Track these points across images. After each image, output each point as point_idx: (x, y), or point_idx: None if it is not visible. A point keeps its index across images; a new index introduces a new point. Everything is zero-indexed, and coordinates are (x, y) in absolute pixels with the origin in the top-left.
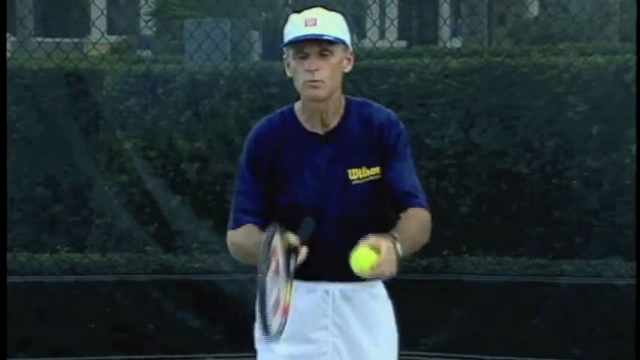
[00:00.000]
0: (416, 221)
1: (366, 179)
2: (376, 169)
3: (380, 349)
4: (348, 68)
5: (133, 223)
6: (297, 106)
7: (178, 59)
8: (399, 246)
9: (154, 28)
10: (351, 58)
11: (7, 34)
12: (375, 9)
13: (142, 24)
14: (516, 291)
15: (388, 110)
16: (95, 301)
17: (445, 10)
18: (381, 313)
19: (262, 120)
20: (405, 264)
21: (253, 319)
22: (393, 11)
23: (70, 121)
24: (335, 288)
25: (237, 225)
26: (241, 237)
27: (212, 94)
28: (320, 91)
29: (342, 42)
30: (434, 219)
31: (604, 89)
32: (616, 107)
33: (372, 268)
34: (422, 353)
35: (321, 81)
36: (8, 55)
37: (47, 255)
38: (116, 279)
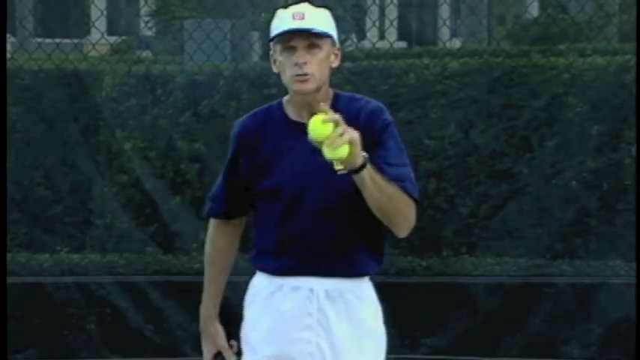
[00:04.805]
0: (395, 188)
1: None
2: None
3: (363, 353)
4: (336, 63)
5: (133, 223)
6: (286, 98)
7: (178, 60)
8: (363, 156)
9: (154, 29)
10: (338, 54)
11: (7, 35)
12: (374, 10)
13: (142, 24)
14: (516, 291)
15: (375, 101)
16: (94, 301)
17: (445, 10)
18: (367, 316)
19: (249, 112)
20: (405, 265)
21: None
22: (392, 12)
23: (70, 122)
24: (320, 287)
25: (208, 213)
26: (208, 241)
27: (212, 95)
28: (308, 85)
29: (330, 36)
30: (434, 219)
31: (604, 90)
32: (616, 108)
33: (329, 137)
34: (422, 356)
35: (310, 74)
36: (8, 55)
37: (47, 255)
38: (115, 280)
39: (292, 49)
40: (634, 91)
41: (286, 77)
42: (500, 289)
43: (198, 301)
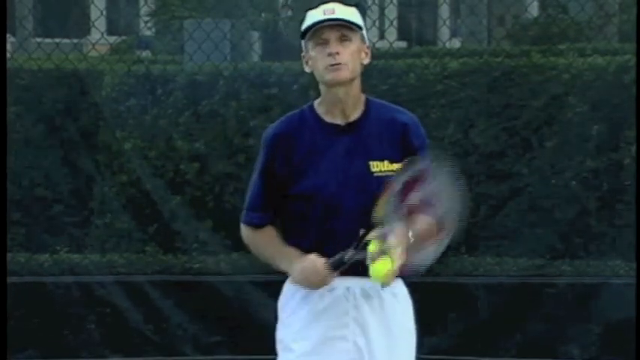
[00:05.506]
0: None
1: (388, 173)
2: (398, 166)
3: (398, 351)
4: (366, 61)
5: (133, 223)
6: (318, 101)
7: (178, 60)
8: (410, 233)
9: (154, 29)
10: (368, 52)
11: (7, 35)
12: (374, 9)
13: (142, 24)
14: (515, 291)
15: (408, 112)
16: (94, 301)
17: (444, 10)
18: (401, 314)
19: (281, 118)
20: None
21: (252, 322)
22: (392, 12)
23: (70, 122)
24: (356, 285)
25: (248, 222)
26: (259, 241)
27: (211, 95)
28: (341, 74)
29: (361, 29)
30: None
31: (603, 90)
32: (615, 108)
33: (388, 276)
34: (422, 356)
35: (343, 64)
36: (8, 55)
37: (47, 255)
38: (115, 279)
39: (324, 43)
40: (634, 91)
41: (319, 70)
42: (500, 289)
43: (198, 301)
